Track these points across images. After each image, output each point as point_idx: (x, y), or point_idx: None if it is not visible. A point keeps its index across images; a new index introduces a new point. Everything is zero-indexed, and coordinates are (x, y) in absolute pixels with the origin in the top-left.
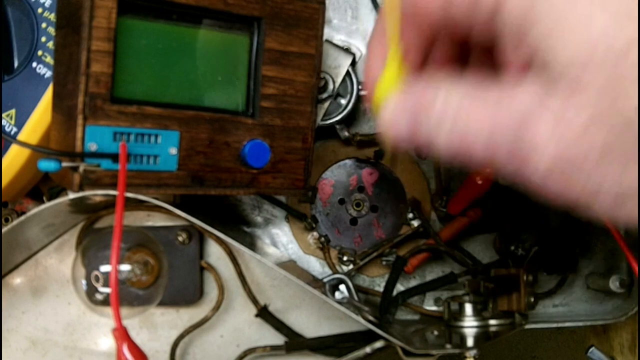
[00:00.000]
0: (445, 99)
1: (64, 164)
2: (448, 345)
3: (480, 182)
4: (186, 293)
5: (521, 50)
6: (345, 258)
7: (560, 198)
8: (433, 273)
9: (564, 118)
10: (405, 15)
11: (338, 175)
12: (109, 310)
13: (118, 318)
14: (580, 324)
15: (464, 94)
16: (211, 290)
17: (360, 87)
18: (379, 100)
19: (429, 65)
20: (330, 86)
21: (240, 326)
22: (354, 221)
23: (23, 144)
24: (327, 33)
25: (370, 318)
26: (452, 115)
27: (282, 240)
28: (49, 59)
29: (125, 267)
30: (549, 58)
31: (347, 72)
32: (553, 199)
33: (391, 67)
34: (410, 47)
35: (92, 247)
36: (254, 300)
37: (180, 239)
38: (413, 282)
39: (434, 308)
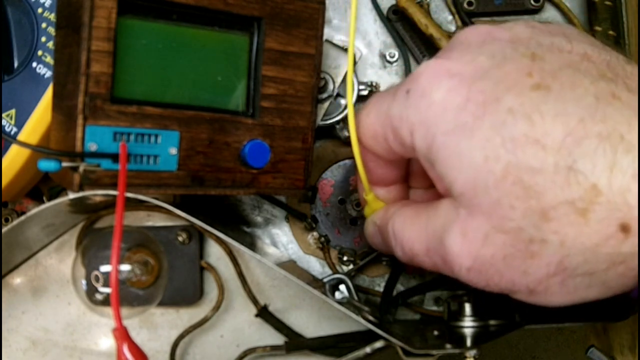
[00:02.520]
0: (393, 225)
1: (64, 164)
2: (448, 345)
3: None
4: (186, 293)
5: (435, 176)
6: (345, 258)
7: (488, 288)
8: (433, 273)
9: (467, 233)
10: (367, 155)
11: (338, 175)
12: (109, 310)
13: (118, 318)
14: (580, 324)
15: (407, 217)
16: (211, 290)
17: (360, 87)
18: (367, 216)
19: (396, 183)
20: (330, 86)
21: (240, 326)
22: (354, 221)
23: (23, 144)
24: (327, 33)
25: (370, 318)
26: (399, 237)
27: (282, 240)
28: (49, 59)
29: (125, 267)
30: (450, 186)
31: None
32: (484, 289)
33: (368, 197)
34: (375, 175)
35: (92, 247)
36: (254, 300)
37: (180, 239)
38: (413, 282)
39: (434, 308)
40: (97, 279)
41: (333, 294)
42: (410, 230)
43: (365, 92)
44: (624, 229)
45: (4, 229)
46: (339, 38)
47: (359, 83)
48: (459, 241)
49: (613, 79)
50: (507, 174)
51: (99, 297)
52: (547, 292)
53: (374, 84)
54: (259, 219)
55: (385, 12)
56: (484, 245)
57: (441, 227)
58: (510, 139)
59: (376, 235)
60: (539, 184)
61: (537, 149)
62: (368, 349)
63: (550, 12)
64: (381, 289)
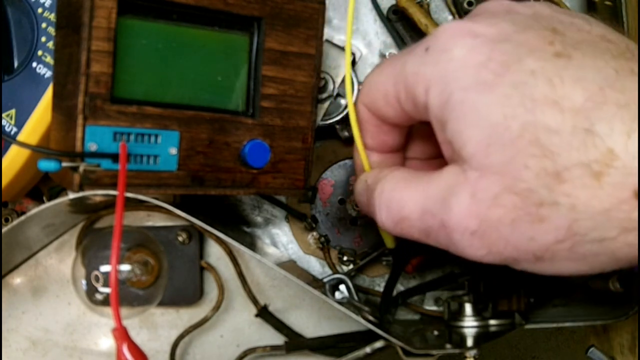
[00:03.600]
0: (383, 185)
1: (64, 164)
2: (448, 345)
3: None
4: (186, 293)
5: (444, 139)
6: (345, 258)
7: (488, 258)
8: (433, 273)
9: (476, 194)
10: (369, 119)
11: (338, 175)
12: (109, 310)
13: (118, 318)
14: (580, 324)
15: (401, 179)
16: (211, 290)
17: (360, 87)
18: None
19: (394, 152)
20: (330, 86)
21: (240, 326)
22: (354, 221)
23: (23, 145)
24: (327, 33)
25: (370, 318)
26: (387, 197)
27: (282, 240)
28: (49, 59)
29: (125, 267)
30: (461, 148)
31: None
32: (482, 260)
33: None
34: (375, 141)
35: (92, 247)
36: (254, 300)
37: (180, 239)
38: (413, 282)
39: (434, 308)
40: (97, 279)
41: (333, 294)
42: (404, 192)
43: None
44: (638, 195)
45: (4, 229)
46: (339, 38)
47: (359, 83)
48: (467, 202)
49: (631, 58)
50: (524, 132)
51: (99, 297)
52: (554, 259)
53: None
54: (259, 219)
55: (385, 12)
56: (493, 207)
57: (446, 189)
58: (530, 99)
59: (363, 193)
60: (555, 145)
61: (556, 110)
62: (368, 349)
63: None
64: (381, 289)
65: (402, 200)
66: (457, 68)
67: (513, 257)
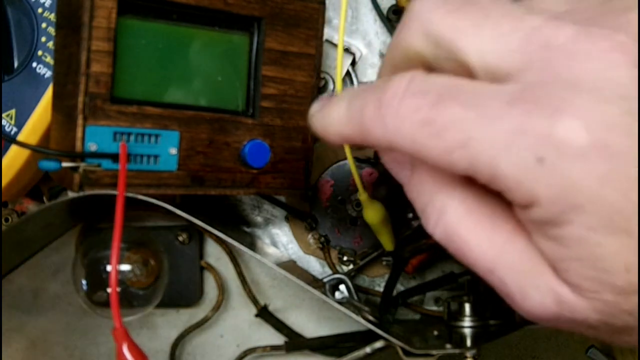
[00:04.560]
0: (444, 205)
1: (64, 164)
2: (448, 345)
3: None
4: (186, 293)
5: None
6: (345, 258)
7: None
8: (433, 273)
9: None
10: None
11: (338, 175)
12: (109, 310)
13: (118, 318)
14: None
15: (473, 212)
16: (211, 290)
17: (360, 87)
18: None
19: None
20: (330, 86)
21: (240, 326)
22: (354, 221)
23: (23, 145)
24: (327, 33)
25: (370, 318)
26: (446, 226)
27: (282, 240)
28: (49, 59)
29: (125, 267)
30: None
31: (347, 72)
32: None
33: (362, 198)
34: None
35: (92, 247)
36: (254, 300)
37: (180, 239)
38: (413, 282)
39: (434, 308)
40: (97, 279)
41: (333, 294)
42: (472, 235)
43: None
44: None
45: (4, 229)
46: (339, 38)
47: (359, 83)
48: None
49: None
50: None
51: (99, 297)
52: None
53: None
54: (259, 219)
55: (385, 12)
56: None
57: (524, 273)
58: None
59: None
60: None
61: None
62: (368, 349)
63: None
64: (381, 289)
65: (470, 244)
66: None
67: None
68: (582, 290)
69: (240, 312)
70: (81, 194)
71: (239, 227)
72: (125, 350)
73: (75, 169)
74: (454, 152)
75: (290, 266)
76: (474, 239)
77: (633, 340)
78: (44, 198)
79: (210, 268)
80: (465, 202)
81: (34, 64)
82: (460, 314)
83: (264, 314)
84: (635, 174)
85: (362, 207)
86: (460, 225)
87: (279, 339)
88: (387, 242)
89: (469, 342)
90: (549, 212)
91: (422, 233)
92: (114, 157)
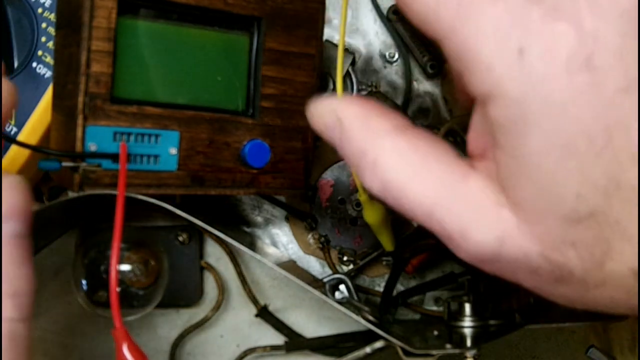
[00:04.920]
0: (377, 154)
1: (64, 164)
2: (448, 345)
3: None
4: (186, 293)
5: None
6: (345, 258)
7: None
8: (433, 273)
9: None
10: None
11: (338, 175)
12: (109, 310)
13: (118, 318)
14: (580, 324)
15: (407, 159)
16: (211, 290)
17: (360, 87)
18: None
19: None
20: (330, 86)
21: (240, 326)
22: (354, 221)
23: (23, 145)
24: (327, 33)
25: (370, 318)
26: (382, 175)
27: (282, 240)
28: (49, 59)
29: (125, 267)
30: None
31: (347, 72)
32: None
33: (362, 198)
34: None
35: (92, 247)
36: (254, 300)
37: (180, 239)
38: (413, 282)
39: (434, 308)
40: (97, 279)
41: (333, 294)
42: (411, 183)
43: (365, 92)
44: None
45: None
46: (339, 38)
47: (359, 83)
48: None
49: None
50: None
51: (99, 297)
52: None
53: (374, 84)
54: (259, 219)
55: (385, 12)
56: None
57: (474, 209)
58: None
59: (335, 129)
60: None
61: None
62: (368, 349)
63: None
64: (381, 289)
65: (406, 190)
66: None
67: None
68: (527, 214)
69: (240, 312)
70: (81, 194)
71: (239, 227)
72: (125, 350)
73: (75, 169)
74: (446, 9)
75: (290, 266)
76: (409, 183)
77: (570, 291)
78: (44, 198)
79: (210, 268)
80: (397, 149)
81: (34, 64)
82: (460, 314)
83: (264, 314)
84: (612, 95)
85: (362, 208)
86: (395, 171)
87: (279, 339)
88: (387, 243)
89: (469, 342)
90: (509, 112)
91: (422, 233)
92: (114, 157)
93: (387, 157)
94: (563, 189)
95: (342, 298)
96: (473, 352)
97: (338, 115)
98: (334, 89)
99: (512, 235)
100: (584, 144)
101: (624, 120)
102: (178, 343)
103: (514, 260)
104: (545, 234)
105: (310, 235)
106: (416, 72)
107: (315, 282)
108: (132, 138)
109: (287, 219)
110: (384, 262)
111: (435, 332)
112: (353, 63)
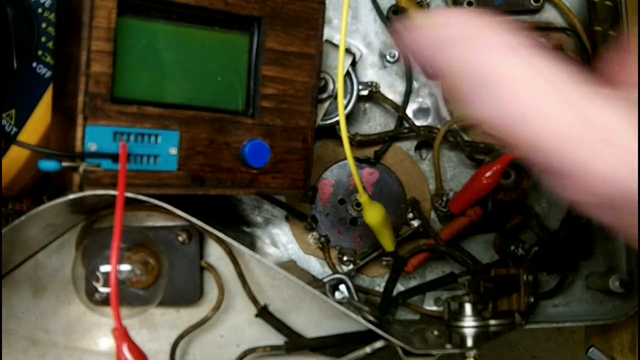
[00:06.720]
0: (502, 72)
1: (64, 164)
2: (448, 345)
3: (486, 181)
4: (186, 293)
5: None
6: (345, 258)
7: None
8: (433, 273)
9: None
10: None
11: (338, 175)
12: (109, 310)
13: (118, 318)
14: (580, 324)
15: (538, 79)
16: (211, 290)
17: (360, 87)
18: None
19: None
20: (330, 86)
21: (240, 326)
22: (354, 221)
23: (23, 145)
24: (327, 33)
25: (370, 318)
26: (505, 96)
27: (282, 240)
28: (49, 59)
29: (125, 267)
30: None
31: (347, 72)
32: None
33: (362, 199)
34: None
35: (92, 247)
36: (254, 300)
37: (180, 239)
38: (413, 282)
39: (434, 308)
40: (97, 279)
41: (333, 294)
42: (541, 107)
43: (365, 92)
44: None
45: (4, 229)
46: (339, 38)
47: (359, 83)
48: None
49: None
50: None
51: (99, 297)
52: None
53: (374, 84)
54: (259, 219)
55: (385, 12)
56: None
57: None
58: None
59: (440, 49)
60: None
61: None
62: (368, 349)
63: (550, 12)
64: (381, 289)
65: (533, 116)
66: None
67: None
68: None
69: (240, 312)
70: (81, 194)
71: (239, 227)
72: (125, 350)
73: (75, 169)
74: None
75: (290, 266)
76: (542, 111)
77: None
78: (44, 198)
79: (210, 268)
80: (526, 67)
81: (34, 64)
82: (460, 314)
83: (264, 314)
84: None
85: (362, 209)
86: (523, 96)
87: (279, 339)
88: (387, 243)
89: (469, 342)
90: None
91: (422, 233)
92: (114, 157)
93: (516, 75)
94: None
95: (342, 298)
96: (473, 352)
97: (465, 25)
98: (334, 90)
99: None
100: None
101: None
102: (178, 343)
103: (632, 202)
104: None
105: (310, 235)
106: (416, 72)
107: (315, 282)
108: (132, 138)
109: (287, 219)
110: (384, 262)
111: (435, 332)
112: (353, 63)
